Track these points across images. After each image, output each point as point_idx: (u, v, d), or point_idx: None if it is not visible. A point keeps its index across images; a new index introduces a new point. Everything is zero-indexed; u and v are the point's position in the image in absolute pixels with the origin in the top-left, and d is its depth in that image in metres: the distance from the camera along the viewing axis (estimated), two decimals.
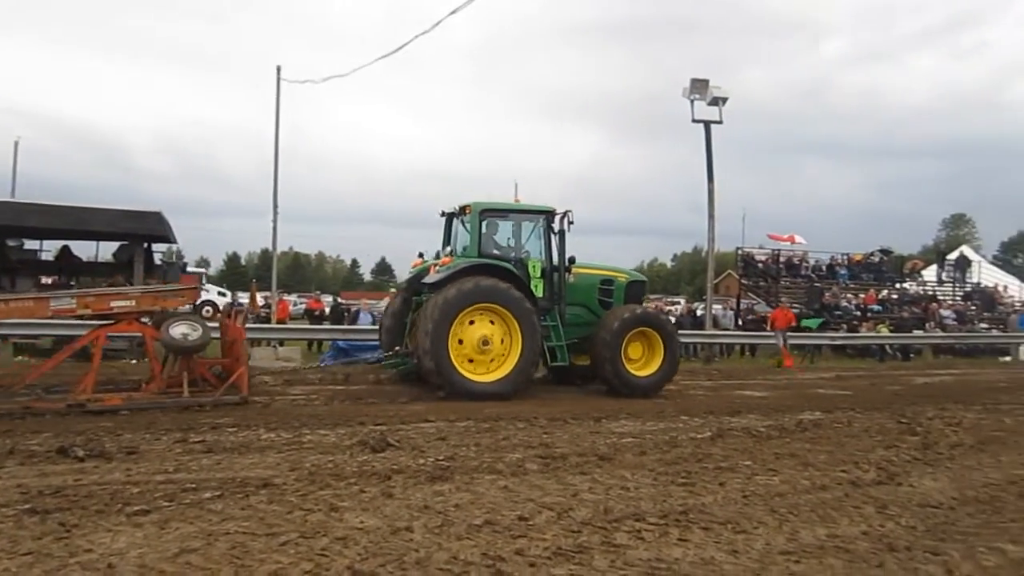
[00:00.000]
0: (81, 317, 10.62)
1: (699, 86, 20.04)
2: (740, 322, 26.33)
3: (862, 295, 29.28)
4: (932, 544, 5.16)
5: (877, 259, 32.85)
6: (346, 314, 21.75)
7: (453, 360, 11.58)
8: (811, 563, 4.75)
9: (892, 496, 6.36)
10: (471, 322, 11.82)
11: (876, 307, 28.33)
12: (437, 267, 12.53)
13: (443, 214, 13.58)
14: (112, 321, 10.58)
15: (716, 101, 20.44)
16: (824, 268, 31.11)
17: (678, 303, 43.21)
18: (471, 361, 11.81)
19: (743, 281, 30.03)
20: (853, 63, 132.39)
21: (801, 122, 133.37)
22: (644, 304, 14.38)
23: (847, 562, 4.78)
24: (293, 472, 6.62)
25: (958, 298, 32.30)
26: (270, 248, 23.07)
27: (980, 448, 8.58)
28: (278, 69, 22.05)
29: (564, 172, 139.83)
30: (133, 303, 10.52)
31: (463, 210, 12.79)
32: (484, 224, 12.58)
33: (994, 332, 28.60)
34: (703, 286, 30.22)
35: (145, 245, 18.90)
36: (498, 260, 12.39)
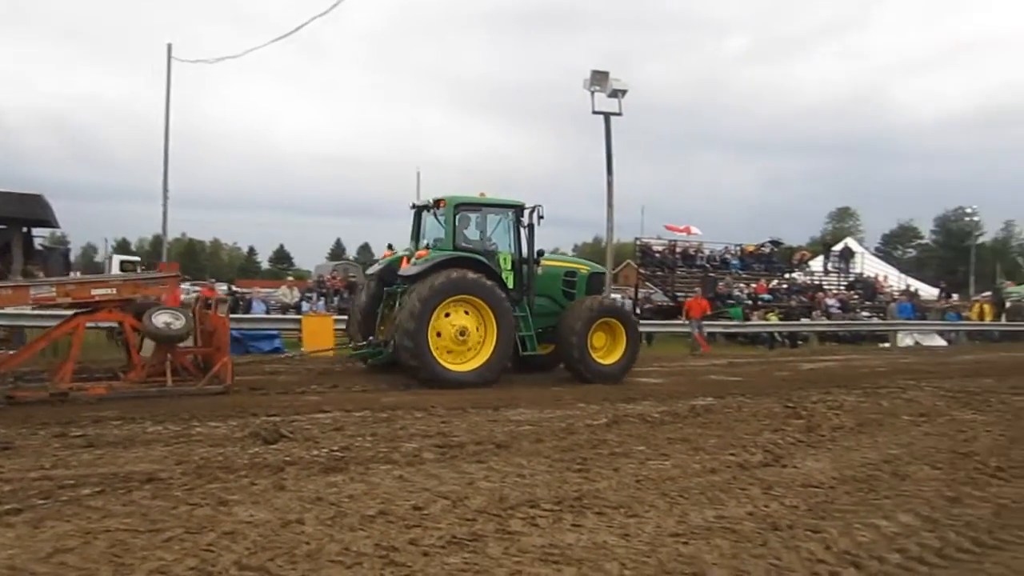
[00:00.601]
0: (59, 306, 10.68)
1: (599, 78, 20.25)
2: (638, 311, 26.89)
3: (753, 284, 30.32)
4: (813, 523, 5.38)
5: (768, 250, 34.02)
6: (240, 303, 21.20)
7: (432, 350, 12.04)
8: (699, 544, 4.88)
9: (777, 477, 6.61)
10: (447, 314, 12.28)
11: (766, 296, 29.39)
12: (413, 259, 12.92)
13: (413, 207, 13.95)
14: (91, 309, 10.58)
15: (616, 93, 20.69)
16: (718, 258, 32.04)
17: None
18: (449, 352, 12.30)
19: (641, 271, 30.67)
20: (749, 60, 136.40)
21: (699, 116, 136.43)
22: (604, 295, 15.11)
23: (733, 542, 4.94)
24: (180, 466, 6.41)
25: (842, 288, 33.80)
26: (161, 234, 22.24)
27: (859, 430, 9.01)
28: (168, 48, 21.22)
29: (468, 160, 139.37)
30: (114, 291, 10.61)
31: (437, 204, 13.19)
32: (457, 218, 13.05)
33: (875, 320, 30.09)
34: None
35: (25, 229, 18.02)
36: (472, 253, 12.86)
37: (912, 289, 36.77)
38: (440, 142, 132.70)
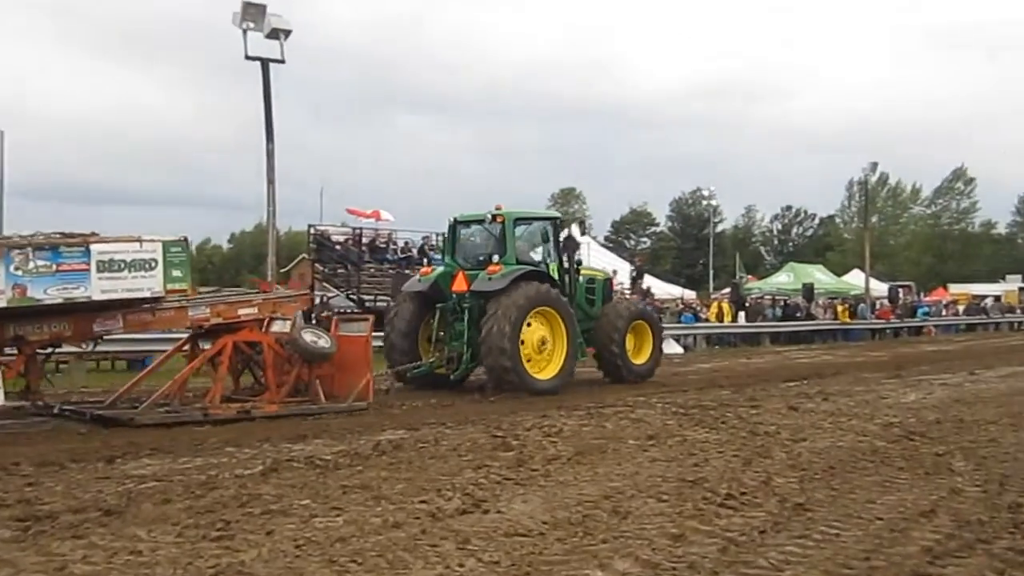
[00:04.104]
0: (201, 327, 13.44)
1: (253, 12, 19.86)
2: (314, 319, 26.69)
3: None
4: None
5: None
6: None
7: (523, 361, 16.05)
8: None
9: (477, 527, 6.83)
10: (527, 325, 16.23)
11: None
12: (482, 275, 16.43)
13: (456, 222, 17.86)
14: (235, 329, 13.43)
15: (276, 33, 20.44)
16: (416, 251, 32.67)
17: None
18: (528, 361, 16.20)
19: (318, 267, 30.52)
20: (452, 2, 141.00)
21: (394, 70, 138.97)
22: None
23: None
24: None
25: None
26: None
27: (578, 460, 9.58)
28: None
29: (85, 119, 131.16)
30: (256, 310, 13.65)
31: (494, 218, 17.23)
32: (516, 231, 17.27)
33: None
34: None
35: None
36: (533, 265, 17.22)
37: (646, 287, 39.86)
38: (43, 94, 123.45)
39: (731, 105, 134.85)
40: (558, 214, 18.69)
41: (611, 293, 19.91)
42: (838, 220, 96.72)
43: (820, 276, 53.11)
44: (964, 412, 13.58)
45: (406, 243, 32.83)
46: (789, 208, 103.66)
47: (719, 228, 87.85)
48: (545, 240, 18.10)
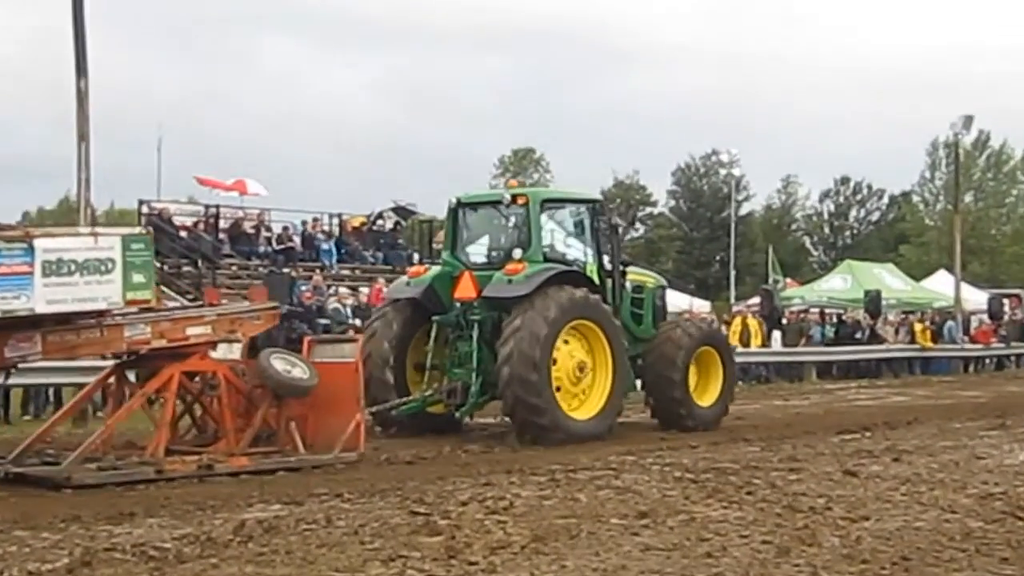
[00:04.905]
0: (136, 351, 14.04)
1: None
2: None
3: (365, 288, 31.09)
4: None
5: (391, 225, 35.26)
6: None
7: (555, 394, 16.72)
8: None
9: None
10: (563, 343, 16.97)
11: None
12: (498, 276, 17.02)
13: (458, 204, 18.69)
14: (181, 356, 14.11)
15: None
16: (296, 239, 32.51)
17: None
18: (559, 390, 16.85)
19: (160, 262, 30.23)
20: None
21: None
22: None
23: None
24: None
25: None
26: None
27: (536, 549, 9.48)
28: None
29: None
30: (210, 330, 14.26)
31: (514, 199, 17.81)
32: (543, 218, 18.09)
33: None
34: None
35: None
36: (565, 264, 18.10)
37: None
38: None
39: (760, 28, 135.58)
40: (598, 196, 19.96)
41: (665, 307, 20.97)
42: (916, 199, 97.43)
43: (890, 280, 53.10)
44: None
45: (285, 229, 32.69)
46: (846, 181, 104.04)
47: (744, 210, 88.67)
48: (580, 231, 19.17)
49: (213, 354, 14.49)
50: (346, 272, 32.40)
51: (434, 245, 36.82)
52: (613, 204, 20.33)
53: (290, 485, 13.17)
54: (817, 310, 43.01)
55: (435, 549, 9.50)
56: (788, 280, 61.79)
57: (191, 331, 14.03)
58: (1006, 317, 45.71)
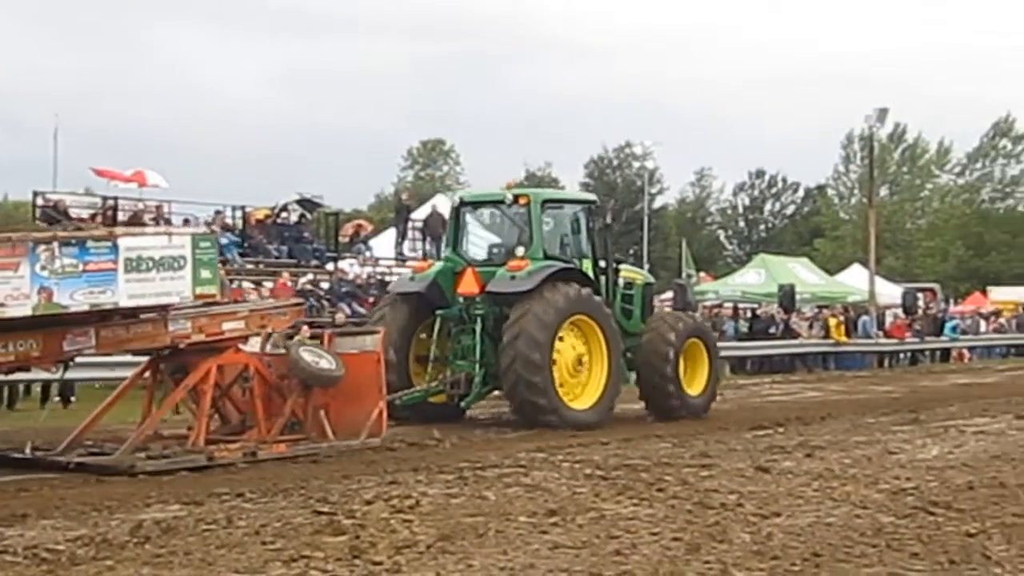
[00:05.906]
0: (176, 345, 14.91)
1: None
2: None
3: (270, 284, 30.86)
4: None
5: (296, 218, 35.04)
6: None
7: (556, 385, 18.21)
8: None
9: None
10: (560, 338, 18.36)
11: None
12: (501, 272, 18.58)
13: (461, 203, 20.62)
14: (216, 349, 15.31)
15: None
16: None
17: None
18: (560, 385, 18.31)
19: None
20: None
21: None
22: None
23: None
24: None
25: None
26: None
27: (443, 548, 9.48)
28: None
29: None
30: (243, 325, 15.64)
31: (516, 199, 19.47)
32: (544, 218, 19.67)
33: None
34: None
35: None
36: (563, 261, 19.44)
37: None
38: None
39: (675, 20, 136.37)
40: (593, 196, 22.18)
41: (652, 302, 22.79)
42: (831, 193, 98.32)
43: (804, 275, 53.35)
44: (1007, 474, 13.99)
45: (186, 221, 32.39)
46: (761, 174, 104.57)
47: (657, 203, 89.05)
48: (576, 230, 20.69)
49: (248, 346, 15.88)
50: (250, 266, 32.12)
51: (340, 238, 36.97)
52: (609, 205, 21.18)
53: (189, 485, 13.09)
54: (731, 305, 43.38)
55: (339, 549, 9.48)
56: (702, 274, 62.09)
57: (226, 326, 15.26)
58: (920, 312, 46.30)
